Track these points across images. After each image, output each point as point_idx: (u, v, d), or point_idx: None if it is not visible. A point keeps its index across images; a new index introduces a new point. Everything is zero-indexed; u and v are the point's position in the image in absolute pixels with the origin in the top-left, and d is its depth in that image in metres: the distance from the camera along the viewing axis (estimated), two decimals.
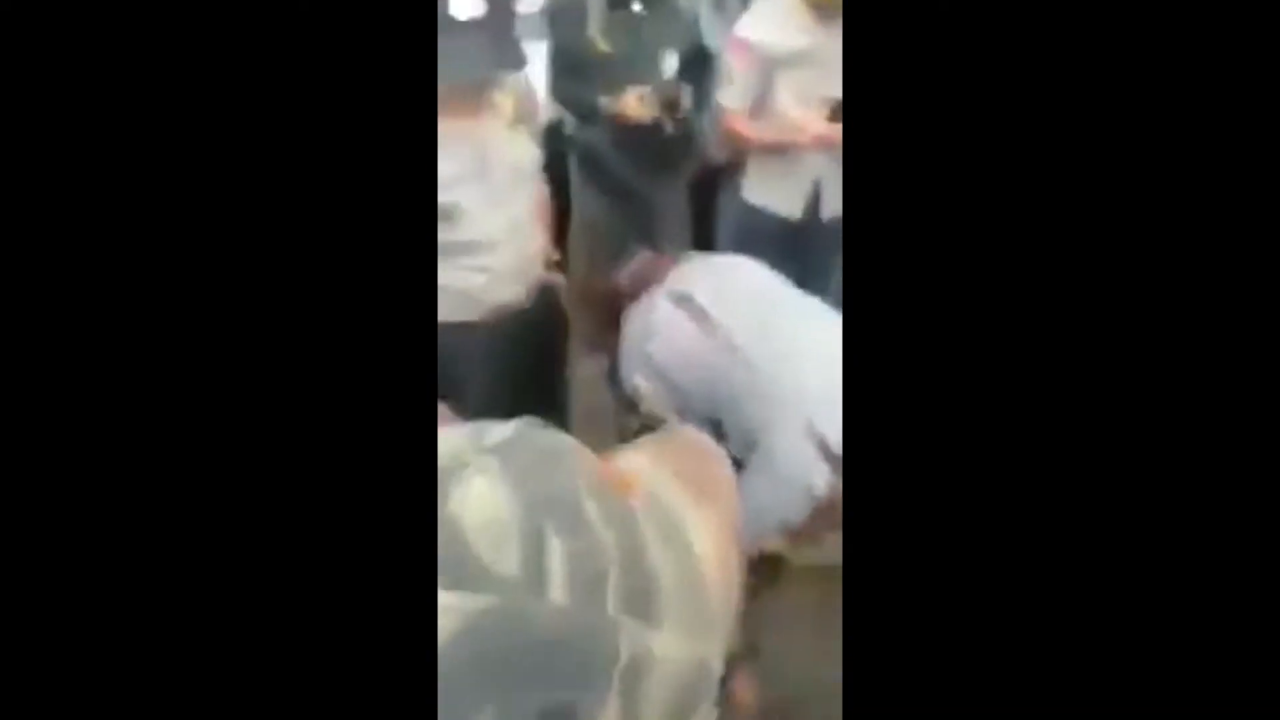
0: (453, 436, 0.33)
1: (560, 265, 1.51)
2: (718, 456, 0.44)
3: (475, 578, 0.27)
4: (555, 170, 2.24)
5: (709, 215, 2.38)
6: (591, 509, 0.30)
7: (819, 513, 1.10)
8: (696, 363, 1.16)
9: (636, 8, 1.77)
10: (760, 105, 1.59)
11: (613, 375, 1.36)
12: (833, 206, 1.69)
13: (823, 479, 1.08)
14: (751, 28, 1.54)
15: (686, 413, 1.21)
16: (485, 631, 0.26)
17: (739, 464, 1.18)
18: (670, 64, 1.82)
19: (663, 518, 0.34)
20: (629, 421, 1.33)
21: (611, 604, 0.28)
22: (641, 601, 0.29)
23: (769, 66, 1.53)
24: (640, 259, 1.37)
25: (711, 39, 1.91)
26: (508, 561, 0.27)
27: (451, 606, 0.26)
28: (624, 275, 1.34)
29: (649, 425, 1.27)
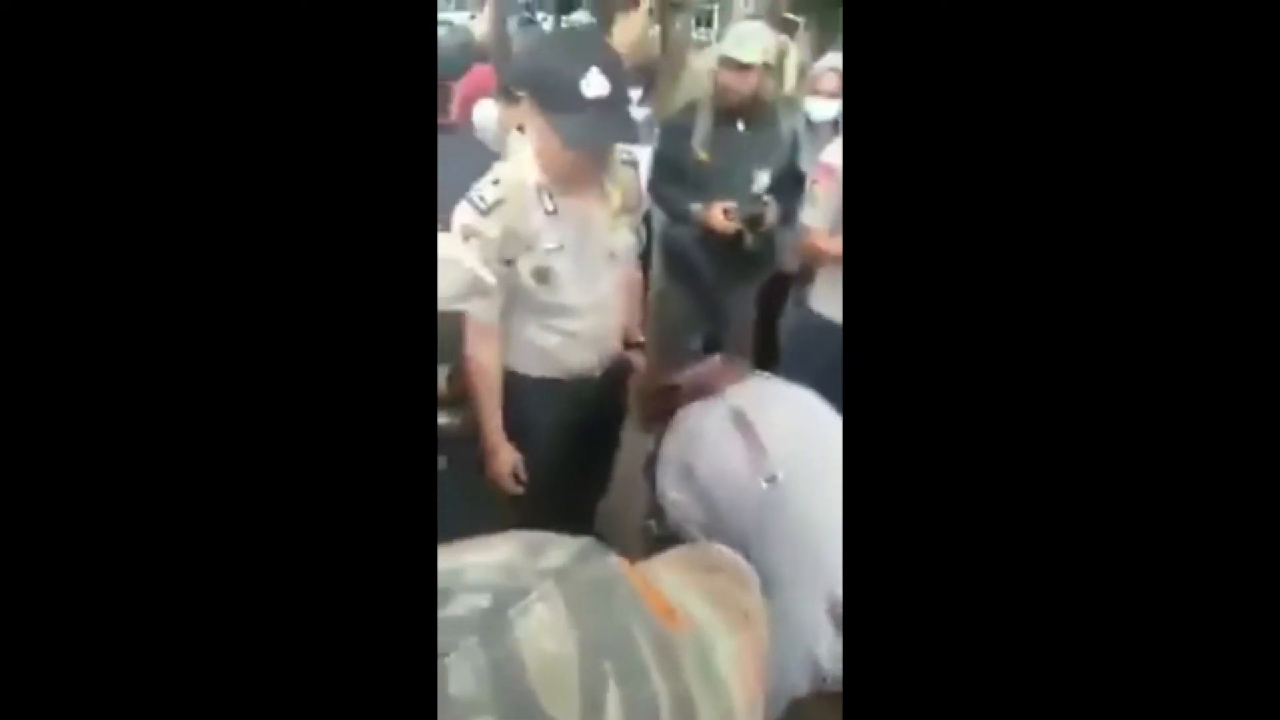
0: (508, 550, 0.33)
1: (640, 346, 1.58)
2: (751, 581, 0.43)
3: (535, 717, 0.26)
4: (642, 260, 2.40)
5: (775, 319, 2.49)
6: (646, 653, 0.30)
7: (819, 689, 1.01)
8: (736, 485, 1.09)
9: (740, 127, 1.97)
10: (838, 228, 1.72)
11: (648, 470, 1.33)
12: None
13: (830, 653, 0.99)
14: (838, 155, 1.68)
15: (712, 533, 1.12)
16: None
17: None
18: (762, 181, 1.99)
19: (701, 648, 0.33)
20: (650, 526, 1.30)
21: None
22: None
23: None
24: (708, 363, 1.35)
25: (804, 163, 2.08)
26: (569, 708, 0.26)
27: None
28: (688, 375, 1.31)
29: (670, 536, 1.21)
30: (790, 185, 1.99)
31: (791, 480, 1.06)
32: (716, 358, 1.41)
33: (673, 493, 1.18)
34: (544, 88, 1.15)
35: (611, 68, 1.12)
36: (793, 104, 2.21)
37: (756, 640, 0.38)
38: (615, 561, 0.34)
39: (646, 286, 2.54)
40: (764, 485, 1.06)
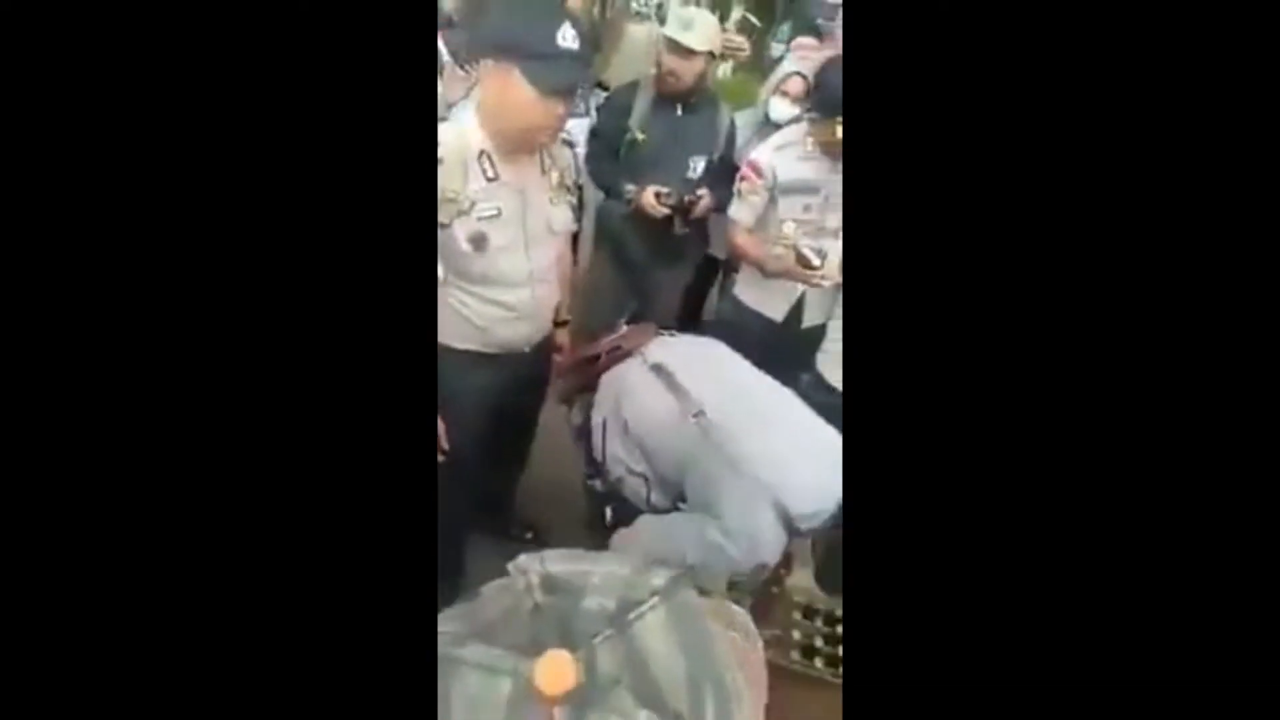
0: (621, 571, 0.41)
1: (566, 325, 1.60)
2: (758, 644, 0.53)
3: (656, 703, 0.34)
4: (573, 238, 2.41)
5: (701, 302, 2.57)
6: (726, 677, 0.38)
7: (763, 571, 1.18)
8: (666, 429, 1.24)
9: (679, 111, 1.99)
10: (763, 223, 1.79)
11: (582, 433, 1.42)
12: (813, 317, 1.87)
13: (775, 541, 1.14)
14: (766, 154, 1.75)
15: (652, 473, 1.28)
16: None
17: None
18: (698, 167, 2.03)
19: (740, 696, 0.41)
20: (594, 485, 1.39)
21: None
22: None
23: (776, 190, 1.74)
24: (619, 331, 1.48)
25: (738, 154, 2.13)
26: (681, 704, 0.35)
27: None
28: (603, 344, 1.43)
29: (614, 489, 1.35)
30: (725, 176, 2.05)
31: (716, 412, 1.21)
32: (624, 325, 1.53)
33: (612, 449, 1.30)
34: (521, 42, 1.18)
35: (577, 24, 1.19)
36: (734, 98, 2.24)
37: (761, 694, 0.47)
38: (694, 594, 0.43)
39: (576, 262, 2.56)
40: (692, 421, 1.21)
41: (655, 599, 0.38)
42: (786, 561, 1.32)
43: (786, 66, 2.21)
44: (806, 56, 2.29)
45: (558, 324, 1.55)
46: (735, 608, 0.55)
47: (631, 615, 0.37)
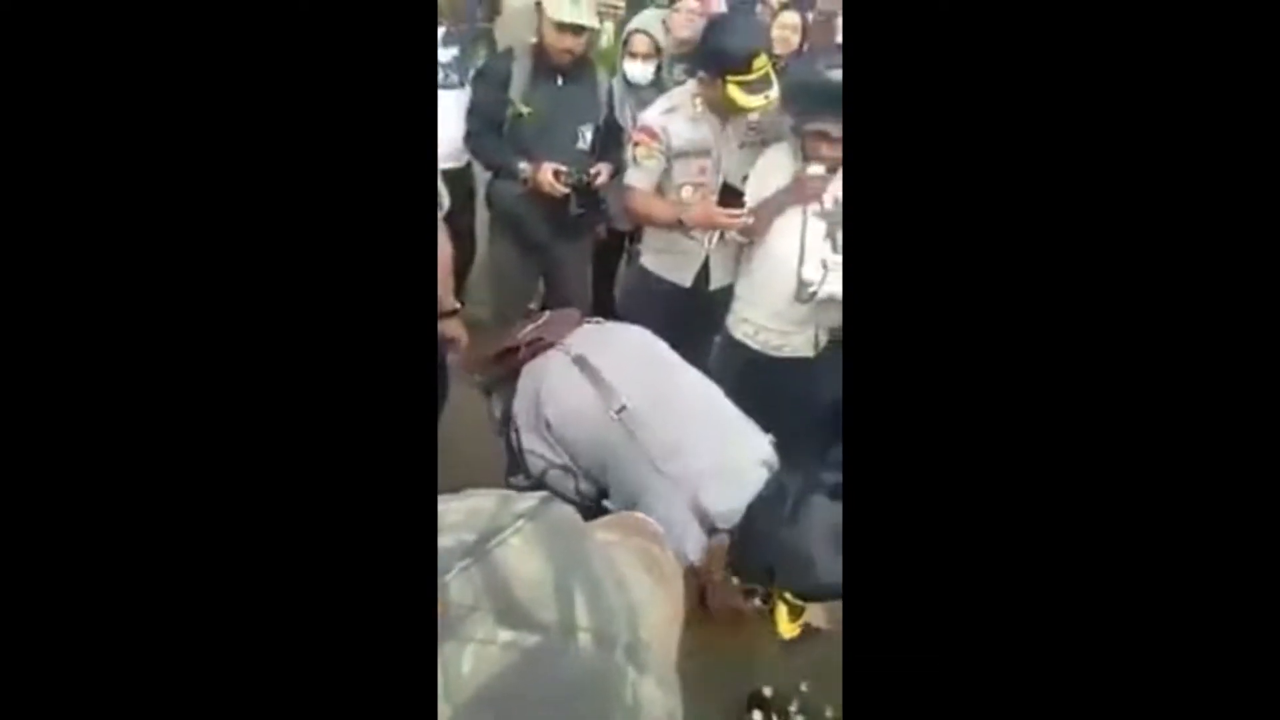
0: (484, 501, 0.40)
1: (457, 314, 1.54)
2: (665, 541, 0.51)
3: (524, 624, 0.32)
4: (462, 220, 2.30)
5: (610, 276, 2.52)
6: (601, 572, 0.37)
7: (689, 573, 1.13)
8: (588, 423, 1.20)
9: (560, 81, 1.92)
10: (661, 186, 1.76)
11: (502, 426, 1.37)
12: (719, 279, 1.86)
13: (696, 546, 1.13)
14: (657, 116, 1.71)
15: (573, 469, 1.25)
16: (535, 666, 0.31)
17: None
18: (585, 137, 1.97)
19: (639, 593, 0.40)
20: (516, 479, 1.34)
21: (619, 655, 0.34)
22: (637, 655, 0.35)
23: (670, 153, 1.71)
24: (540, 320, 1.41)
25: (624, 118, 2.08)
26: (548, 614, 0.33)
27: (509, 642, 0.32)
28: (524, 334, 1.37)
29: (538, 484, 1.29)
30: (612, 143, 1.99)
31: (639, 406, 1.17)
32: (547, 313, 1.45)
33: (530, 443, 1.26)
34: None
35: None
36: (610, 63, 2.20)
37: (675, 591, 0.45)
38: (570, 510, 0.42)
39: (472, 247, 2.45)
40: (614, 416, 1.17)
41: (520, 521, 0.37)
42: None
43: (631, 25, 2.18)
44: (691, 18, 2.26)
45: (444, 315, 1.47)
46: (644, 518, 0.53)
47: (491, 542, 0.36)
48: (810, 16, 2.70)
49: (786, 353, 1.81)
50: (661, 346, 1.34)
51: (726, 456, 1.16)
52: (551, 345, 1.29)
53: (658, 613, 0.41)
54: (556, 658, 0.32)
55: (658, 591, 0.43)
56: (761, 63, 1.57)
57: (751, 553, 1.14)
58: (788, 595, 1.21)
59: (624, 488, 1.19)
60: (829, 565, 1.07)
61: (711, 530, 1.13)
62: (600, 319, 1.40)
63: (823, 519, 1.08)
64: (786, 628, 1.48)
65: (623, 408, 1.18)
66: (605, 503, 1.26)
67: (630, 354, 1.30)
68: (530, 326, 1.39)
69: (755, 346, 1.81)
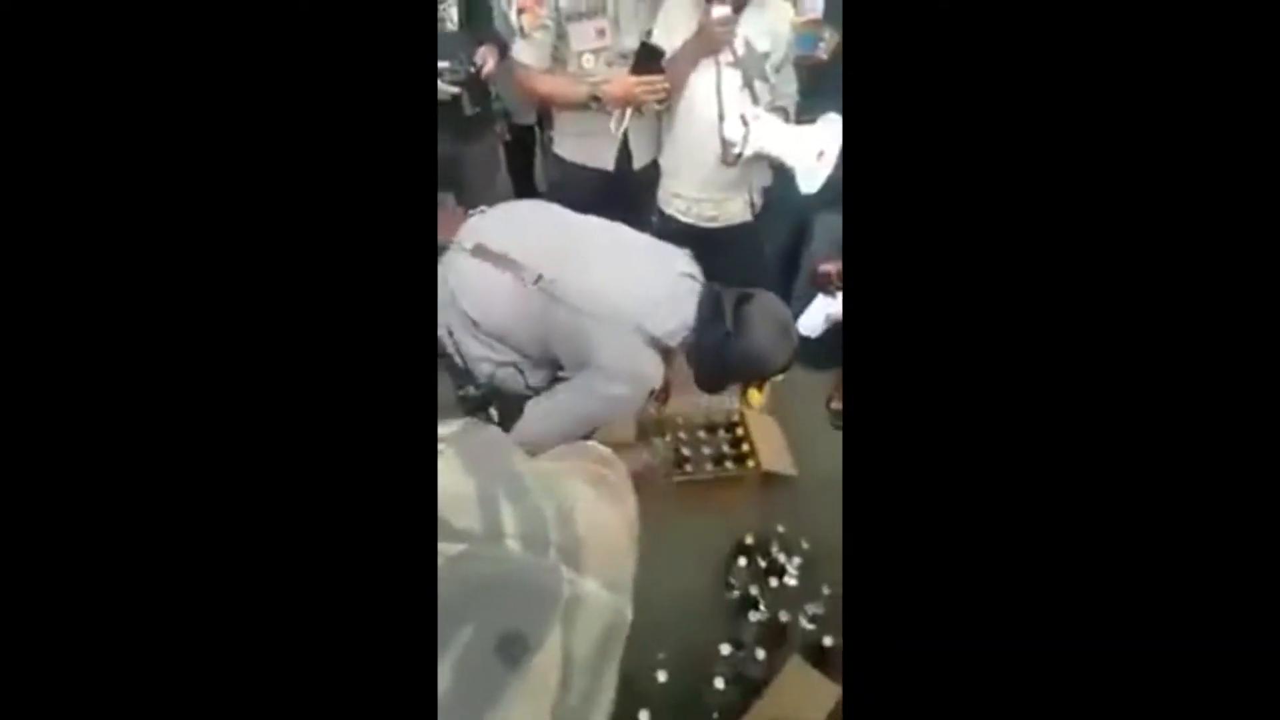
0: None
1: None
2: (617, 464, 0.52)
3: (447, 535, 0.33)
4: None
5: (527, 176, 2.36)
6: (531, 483, 0.37)
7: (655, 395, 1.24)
8: (512, 305, 1.18)
9: None
10: (557, 59, 1.59)
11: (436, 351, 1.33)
12: (642, 157, 1.74)
13: (654, 366, 1.17)
14: None
15: (518, 354, 1.24)
16: (459, 572, 0.32)
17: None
18: (451, 17, 1.75)
19: (578, 501, 0.40)
20: (465, 392, 1.30)
21: (552, 556, 0.35)
22: (575, 557, 0.36)
23: (560, 17, 1.53)
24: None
25: None
26: (471, 521, 0.34)
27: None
28: None
29: (489, 388, 1.28)
30: (481, 16, 1.78)
31: (554, 270, 1.17)
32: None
33: (470, 349, 1.23)
34: None
35: None
36: None
37: (628, 508, 0.46)
38: (496, 429, 0.43)
39: None
40: (535, 288, 1.17)
41: (441, 446, 0.38)
42: (665, 388, 1.39)
43: None
44: None
45: None
46: (592, 444, 0.55)
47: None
48: None
49: (723, 221, 1.73)
50: (552, 207, 1.32)
51: (653, 281, 1.19)
52: (446, 247, 1.25)
53: (602, 519, 0.41)
54: (482, 562, 0.33)
55: (602, 503, 0.43)
56: None
57: (706, 360, 1.20)
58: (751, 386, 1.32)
59: (572, 351, 1.20)
60: (780, 352, 1.18)
61: (664, 351, 1.18)
62: (483, 207, 1.34)
63: (764, 314, 1.17)
64: (755, 399, 1.64)
65: (539, 277, 1.16)
66: (560, 374, 1.28)
67: (525, 226, 1.27)
68: None
69: (691, 221, 1.73)
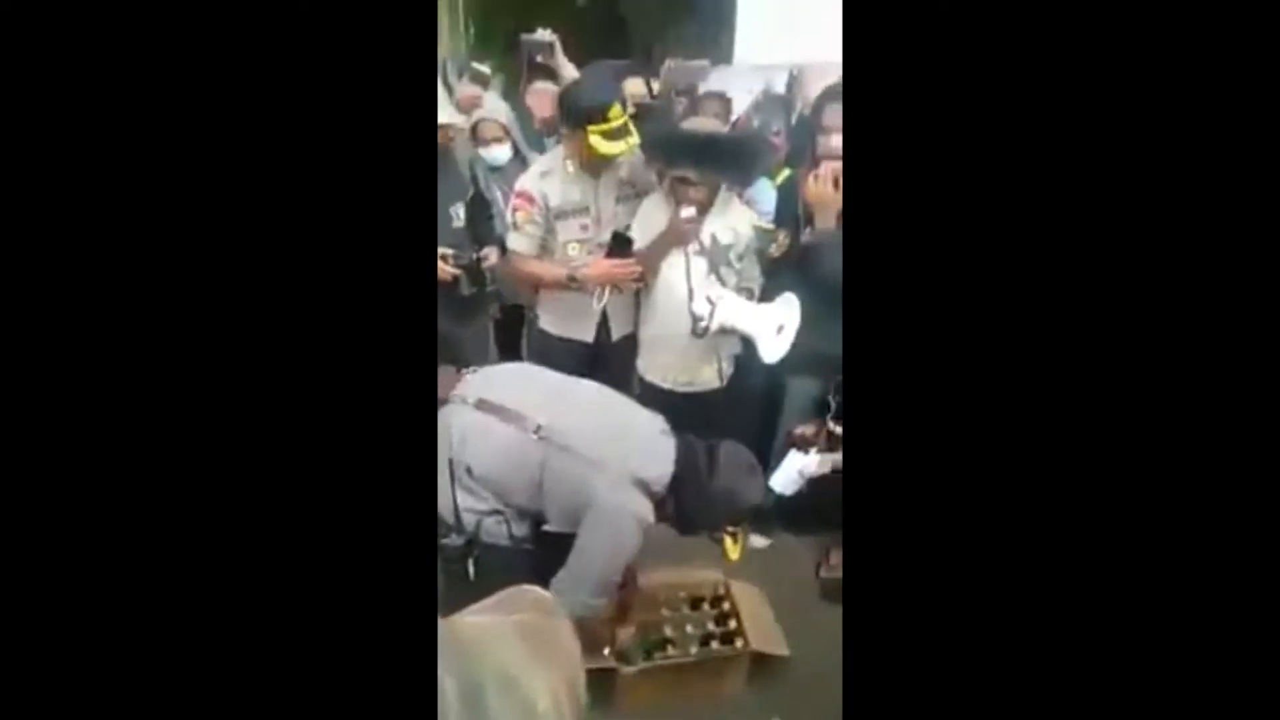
0: None
1: None
2: (556, 610, 0.52)
3: None
4: None
5: (514, 349, 2.51)
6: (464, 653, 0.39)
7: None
8: (513, 453, 1.27)
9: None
10: (546, 247, 1.80)
11: None
12: (621, 328, 1.90)
13: (648, 509, 1.27)
14: (533, 182, 1.76)
15: (506, 503, 1.30)
16: None
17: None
18: (459, 215, 1.99)
19: (505, 678, 0.41)
20: (447, 541, 1.32)
21: None
22: None
23: (550, 214, 1.76)
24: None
25: (490, 190, 2.15)
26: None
27: None
28: None
29: (474, 537, 1.30)
30: (482, 217, 2.03)
31: (552, 420, 1.28)
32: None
33: (461, 500, 1.30)
34: None
35: None
36: (469, 149, 2.26)
37: (568, 662, 0.46)
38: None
39: None
40: (536, 436, 1.27)
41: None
42: (631, 573, 1.42)
43: (476, 115, 2.25)
44: (540, 94, 2.38)
45: None
46: (527, 589, 0.56)
47: None
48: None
49: (698, 387, 1.85)
50: (540, 369, 1.48)
51: (638, 434, 1.33)
52: (445, 402, 1.35)
53: (539, 700, 0.42)
54: None
55: (537, 661, 0.44)
56: (617, 112, 1.67)
57: (688, 500, 1.31)
58: (728, 530, 1.39)
59: (565, 496, 1.27)
60: (751, 489, 1.34)
61: (651, 496, 1.28)
62: (475, 367, 1.48)
63: (731, 457, 1.33)
64: (733, 550, 1.85)
65: (539, 426, 1.27)
66: (545, 528, 1.33)
67: (520, 383, 1.41)
68: None
69: (669, 387, 1.84)
